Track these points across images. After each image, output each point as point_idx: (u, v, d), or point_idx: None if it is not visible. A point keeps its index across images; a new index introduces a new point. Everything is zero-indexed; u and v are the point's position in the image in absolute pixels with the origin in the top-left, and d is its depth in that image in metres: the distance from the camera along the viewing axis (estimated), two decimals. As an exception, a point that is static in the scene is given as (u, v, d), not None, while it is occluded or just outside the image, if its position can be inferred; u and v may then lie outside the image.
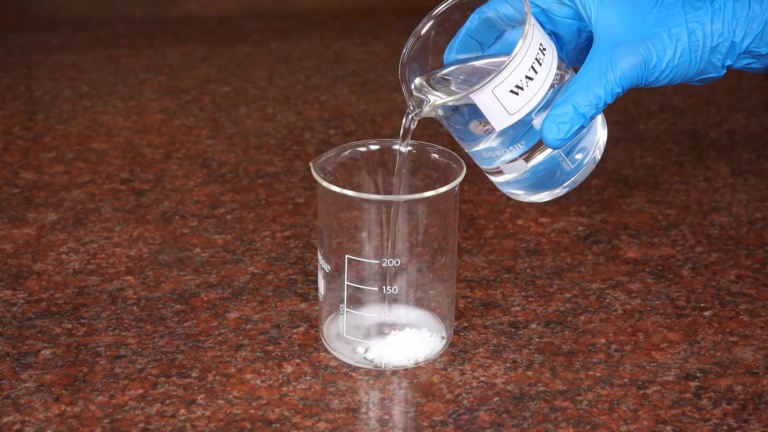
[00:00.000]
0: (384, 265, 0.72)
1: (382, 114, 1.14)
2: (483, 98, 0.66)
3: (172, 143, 1.08)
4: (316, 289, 0.82)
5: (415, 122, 0.71)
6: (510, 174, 0.72)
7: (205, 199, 0.96)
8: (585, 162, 0.73)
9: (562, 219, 0.93)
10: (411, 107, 0.70)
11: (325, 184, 0.70)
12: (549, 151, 0.70)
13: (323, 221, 0.73)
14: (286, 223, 0.92)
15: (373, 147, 0.75)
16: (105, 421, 0.68)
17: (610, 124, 1.11)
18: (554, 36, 0.72)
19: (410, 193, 0.73)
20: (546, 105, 0.68)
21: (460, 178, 0.71)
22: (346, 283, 0.72)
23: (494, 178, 0.73)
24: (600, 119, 0.73)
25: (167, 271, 0.84)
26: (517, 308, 0.80)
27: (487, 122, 0.68)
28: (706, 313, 0.80)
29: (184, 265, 0.85)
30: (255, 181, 0.99)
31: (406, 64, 0.72)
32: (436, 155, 0.74)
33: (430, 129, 1.09)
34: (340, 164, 0.74)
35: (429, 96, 0.70)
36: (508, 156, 0.71)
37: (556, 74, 0.69)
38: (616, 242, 0.89)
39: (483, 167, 0.73)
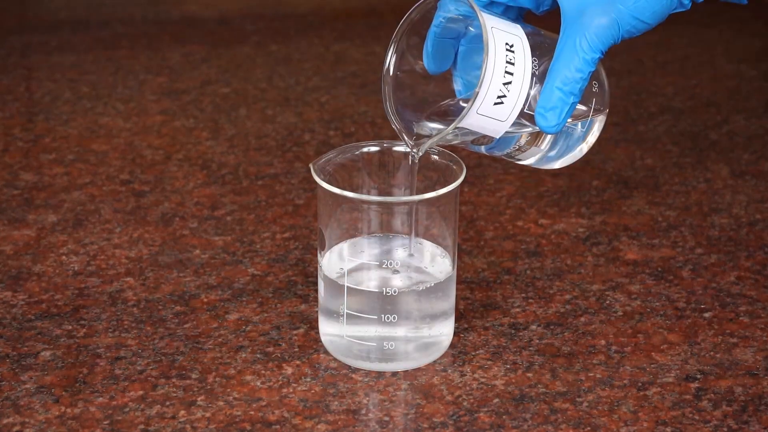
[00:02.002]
0: (384, 266, 0.72)
1: (382, 115, 1.14)
2: (472, 122, 0.66)
3: (172, 144, 1.08)
4: (316, 290, 0.82)
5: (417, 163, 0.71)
6: (531, 157, 0.72)
7: (205, 200, 0.96)
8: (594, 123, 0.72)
9: (562, 220, 0.93)
10: (413, 154, 0.71)
11: (325, 185, 0.70)
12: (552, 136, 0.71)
13: (323, 222, 0.73)
14: (286, 225, 0.92)
15: (373, 148, 0.75)
16: (105, 422, 0.68)
17: (610, 126, 1.11)
18: (517, 10, 0.70)
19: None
20: (536, 83, 0.68)
21: (461, 180, 0.71)
22: (346, 284, 0.72)
23: (513, 161, 0.73)
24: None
25: (167, 273, 0.84)
26: (517, 310, 0.80)
27: (485, 135, 0.68)
28: (706, 315, 0.80)
29: (184, 267, 0.85)
30: (255, 183, 0.99)
31: (397, 112, 0.71)
32: (436, 157, 0.74)
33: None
34: (340, 166, 0.74)
35: (424, 133, 0.70)
36: (520, 144, 0.71)
37: (533, 59, 0.68)
38: (616, 244, 0.89)
39: (497, 155, 0.73)
